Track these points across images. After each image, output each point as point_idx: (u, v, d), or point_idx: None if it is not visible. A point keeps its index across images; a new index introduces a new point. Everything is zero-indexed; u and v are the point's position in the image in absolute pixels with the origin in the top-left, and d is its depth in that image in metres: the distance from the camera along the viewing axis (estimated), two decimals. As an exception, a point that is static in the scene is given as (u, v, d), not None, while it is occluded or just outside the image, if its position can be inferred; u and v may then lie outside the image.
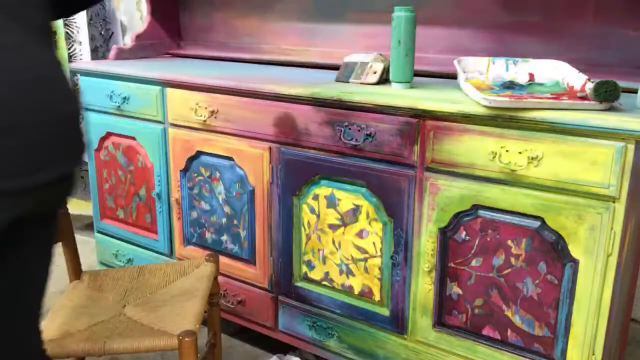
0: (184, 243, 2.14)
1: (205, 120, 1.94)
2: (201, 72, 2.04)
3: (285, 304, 1.92)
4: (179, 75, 1.99)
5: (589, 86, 1.36)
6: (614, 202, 1.31)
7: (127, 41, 2.80)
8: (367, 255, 1.71)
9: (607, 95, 1.32)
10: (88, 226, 3.19)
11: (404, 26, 1.62)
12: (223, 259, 2.04)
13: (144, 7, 2.74)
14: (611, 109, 1.34)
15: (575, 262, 1.38)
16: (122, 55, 2.39)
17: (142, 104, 2.10)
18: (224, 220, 2.00)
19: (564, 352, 1.44)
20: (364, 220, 1.69)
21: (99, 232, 2.43)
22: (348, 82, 1.78)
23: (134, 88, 2.11)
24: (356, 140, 1.63)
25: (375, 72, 1.75)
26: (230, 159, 1.93)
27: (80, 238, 3.12)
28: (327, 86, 1.72)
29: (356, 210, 1.69)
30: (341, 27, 2.16)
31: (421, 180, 1.56)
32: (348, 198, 1.70)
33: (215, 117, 1.92)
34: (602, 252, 1.34)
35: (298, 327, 1.91)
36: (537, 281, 1.44)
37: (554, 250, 1.41)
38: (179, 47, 2.61)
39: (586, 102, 1.35)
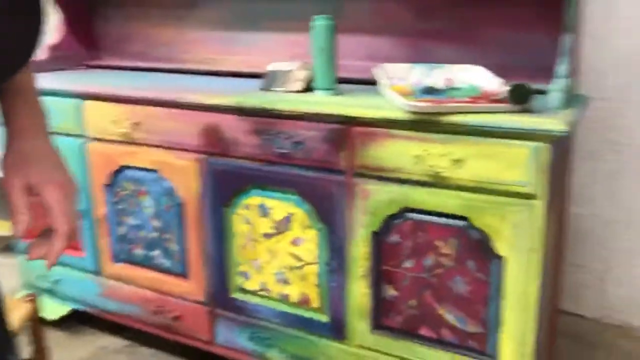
0: (113, 260, 2.07)
1: (127, 133, 1.87)
2: (120, 83, 1.97)
3: (222, 316, 1.89)
4: (97, 87, 1.91)
5: (505, 89, 1.40)
6: (533, 199, 1.36)
7: (40, 53, 2.66)
8: (303, 263, 1.70)
9: (522, 98, 1.36)
10: (8, 247, 3.02)
11: (325, 34, 1.61)
12: (155, 275, 1.98)
13: (56, 17, 2.61)
14: (526, 111, 1.39)
15: (502, 259, 1.43)
16: (36, 67, 2.26)
17: (59, 119, 2.00)
18: (154, 234, 1.94)
19: (497, 346, 1.49)
20: (297, 228, 1.68)
21: (22, 253, 2.31)
22: (272, 90, 1.77)
23: (49, 102, 1.98)
24: (285, 148, 1.62)
25: (299, 80, 1.74)
26: (156, 171, 1.87)
27: (1, 261, 2.96)
28: (250, 95, 1.70)
29: (289, 218, 1.68)
30: (261, 35, 2.13)
31: (351, 186, 1.57)
32: (280, 206, 1.69)
33: (138, 130, 1.85)
34: (526, 248, 1.39)
35: (237, 340, 1.88)
36: (466, 279, 1.48)
37: (480, 249, 1.45)
38: (96, 57, 2.50)
39: (501, 104, 1.40)
